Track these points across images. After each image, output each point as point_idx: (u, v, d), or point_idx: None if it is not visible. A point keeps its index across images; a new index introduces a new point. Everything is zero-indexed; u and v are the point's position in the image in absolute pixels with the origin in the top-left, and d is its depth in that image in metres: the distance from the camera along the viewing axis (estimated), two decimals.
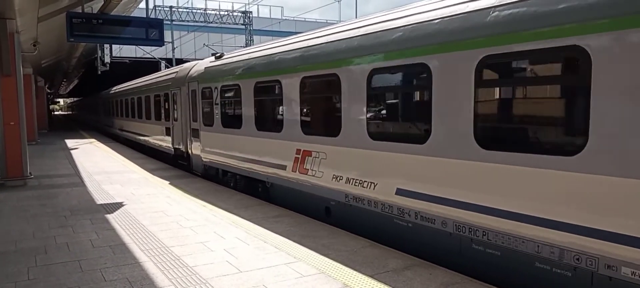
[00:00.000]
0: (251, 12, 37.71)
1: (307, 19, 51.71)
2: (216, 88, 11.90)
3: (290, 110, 8.88)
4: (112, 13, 11.44)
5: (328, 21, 47.43)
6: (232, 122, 11.25)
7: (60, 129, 42.70)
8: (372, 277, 5.36)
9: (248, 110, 10.36)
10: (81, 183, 12.33)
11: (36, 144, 23.82)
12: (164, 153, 17.49)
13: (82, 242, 6.85)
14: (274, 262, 5.92)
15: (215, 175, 12.66)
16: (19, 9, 11.02)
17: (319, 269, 5.62)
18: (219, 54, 12.87)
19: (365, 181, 7.04)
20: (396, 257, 6.01)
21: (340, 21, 10.37)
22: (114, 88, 31.20)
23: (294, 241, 6.76)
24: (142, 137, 21.17)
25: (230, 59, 11.60)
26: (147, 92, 19.89)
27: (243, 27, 37.52)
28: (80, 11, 10.72)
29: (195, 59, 26.43)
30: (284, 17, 48.19)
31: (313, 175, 8.16)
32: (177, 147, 15.51)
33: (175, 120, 15.45)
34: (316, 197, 8.16)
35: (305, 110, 8.65)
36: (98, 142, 25.92)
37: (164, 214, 8.63)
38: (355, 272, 5.50)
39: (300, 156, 8.55)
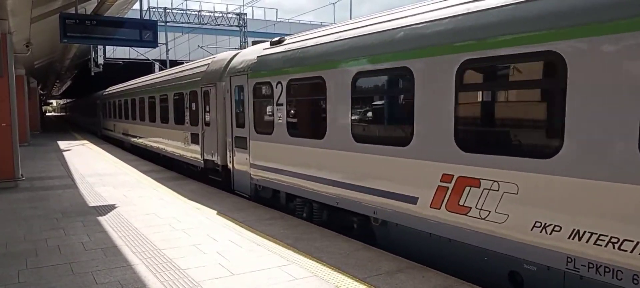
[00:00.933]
0: (246, 14, 37.77)
1: (301, 21, 51.76)
2: (279, 83, 8.93)
3: (433, 114, 5.78)
4: (105, 14, 11.41)
5: (323, 23, 47.51)
6: (308, 129, 8.39)
7: (53, 130, 42.42)
8: (364, 280, 5.36)
9: (340, 114, 7.37)
10: (73, 185, 12.25)
11: (28, 145, 23.65)
12: (188, 165, 14.33)
13: (74, 245, 6.81)
14: (266, 264, 5.91)
15: (271, 199, 9.76)
16: (11, 9, 10.96)
17: (312, 272, 5.61)
18: (278, 39, 9.71)
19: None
20: (389, 260, 6.02)
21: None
22: (117, 86, 27.26)
23: (288, 244, 6.76)
24: (156, 145, 17.66)
25: (303, 42, 8.51)
26: (164, 90, 16.21)
27: (237, 29, 37.52)
28: (74, 12, 10.68)
29: (190, 60, 26.34)
30: (278, 19, 48.25)
31: (484, 218, 5.22)
32: (209, 158, 12.38)
33: (207, 124, 12.32)
34: (487, 253, 5.31)
35: (469, 114, 5.60)
36: (90, 144, 25.77)
37: (156, 216, 8.59)
38: (347, 275, 5.50)
39: (451, 185, 5.56)
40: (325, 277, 5.46)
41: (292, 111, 8.81)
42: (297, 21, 48.37)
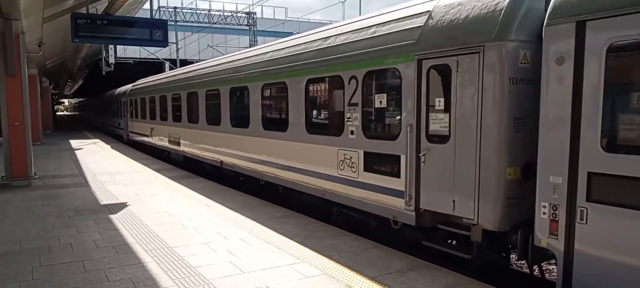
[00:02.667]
0: (255, 13, 37.73)
1: (311, 20, 51.77)
2: None
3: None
4: (116, 14, 11.49)
5: (332, 21, 47.42)
6: None
7: (65, 129, 42.86)
8: (375, 278, 5.35)
9: None
10: (85, 183, 12.36)
11: (41, 144, 23.92)
12: (344, 210, 8.06)
13: (86, 242, 6.87)
14: (277, 262, 5.91)
15: None
16: (24, 10, 11.08)
17: (322, 270, 5.61)
18: None
19: None
20: (399, 259, 6.00)
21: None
22: (156, 77, 20.55)
23: (298, 242, 6.76)
24: (254, 166, 10.69)
25: None
26: (280, 75, 9.48)
27: (247, 27, 37.57)
28: (85, 12, 10.77)
29: (200, 60, 26.10)
30: (288, 18, 48.24)
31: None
32: (441, 211, 6.11)
33: (439, 138, 6.05)
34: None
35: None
36: (102, 143, 25.99)
37: (167, 214, 8.65)
38: (358, 273, 5.49)
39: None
40: (335, 275, 5.45)
41: None
42: (307, 19, 48.35)
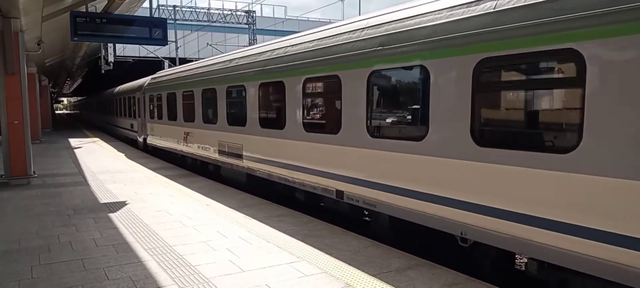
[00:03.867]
0: (254, 11, 37.76)
1: (310, 19, 51.73)
2: None
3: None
4: (115, 12, 11.48)
5: (331, 20, 47.42)
6: None
7: (64, 128, 42.83)
8: (374, 276, 5.35)
9: None
10: (84, 182, 12.36)
11: (40, 142, 23.91)
12: None
13: (86, 241, 6.87)
14: (276, 261, 5.92)
15: None
16: (23, 8, 11.07)
17: (321, 269, 5.62)
18: None
19: None
20: (399, 257, 6.00)
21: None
22: (194, 65, 15.35)
23: (297, 240, 6.76)
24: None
25: None
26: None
27: (246, 26, 37.57)
28: (84, 10, 10.76)
29: (199, 59, 25.68)
30: (287, 17, 48.23)
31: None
32: None
33: None
34: None
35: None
36: (102, 141, 25.97)
37: (167, 213, 8.65)
38: (357, 271, 5.49)
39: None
40: (335, 273, 5.46)
41: None
42: (306, 18, 48.33)
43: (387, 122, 6.93)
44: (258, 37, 36.95)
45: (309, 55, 8.32)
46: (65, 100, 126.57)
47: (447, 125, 5.67)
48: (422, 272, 5.46)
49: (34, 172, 12.67)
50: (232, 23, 37.34)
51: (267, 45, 10.40)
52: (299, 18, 46.98)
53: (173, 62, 33.20)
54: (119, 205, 9.35)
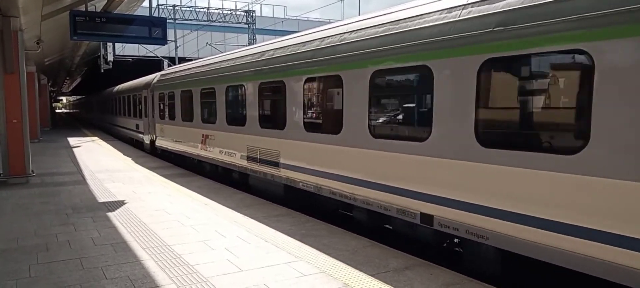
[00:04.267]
0: (254, 11, 37.75)
1: (309, 19, 51.72)
2: None
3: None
4: (115, 11, 11.48)
5: (331, 20, 47.44)
6: None
7: (63, 127, 42.79)
8: (372, 276, 5.36)
9: None
10: (83, 181, 12.35)
11: (39, 141, 23.88)
12: None
13: (84, 240, 6.87)
14: (274, 261, 5.92)
15: None
16: (23, 7, 11.06)
17: (319, 268, 5.62)
18: None
19: None
20: (397, 257, 6.01)
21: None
22: (214, 58, 13.59)
23: (295, 240, 6.77)
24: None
25: None
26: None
27: (246, 26, 37.57)
28: (84, 9, 10.75)
29: (198, 58, 25.45)
30: (287, 17, 48.24)
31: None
32: None
33: None
34: None
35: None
36: (100, 140, 25.96)
37: (165, 212, 8.65)
38: (356, 271, 5.50)
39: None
40: (333, 273, 5.46)
41: None
42: (306, 18, 48.34)
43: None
44: (257, 36, 36.95)
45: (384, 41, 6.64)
46: (64, 99, 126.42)
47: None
48: (420, 272, 5.47)
49: (32, 171, 12.66)
50: (232, 23, 37.35)
51: (323, 31, 8.47)
52: (298, 18, 46.99)
53: (172, 61, 33.19)
54: (117, 204, 9.34)
